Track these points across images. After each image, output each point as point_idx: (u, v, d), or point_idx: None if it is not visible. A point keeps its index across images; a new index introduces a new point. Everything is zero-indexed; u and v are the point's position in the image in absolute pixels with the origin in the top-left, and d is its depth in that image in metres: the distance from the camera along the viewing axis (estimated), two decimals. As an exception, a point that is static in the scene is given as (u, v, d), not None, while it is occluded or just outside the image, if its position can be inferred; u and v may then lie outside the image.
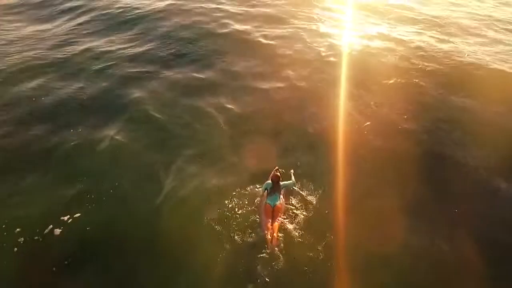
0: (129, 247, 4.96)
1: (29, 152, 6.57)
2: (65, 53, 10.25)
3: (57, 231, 5.06)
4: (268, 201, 5.34)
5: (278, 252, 4.80)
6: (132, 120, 7.50)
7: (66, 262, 4.71)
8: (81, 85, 8.70)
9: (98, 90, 8.54)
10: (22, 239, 4.93)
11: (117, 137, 6.91)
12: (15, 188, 5.79)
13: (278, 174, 5.68)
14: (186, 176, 6.11)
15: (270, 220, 5.13)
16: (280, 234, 5.00)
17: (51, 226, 5.11)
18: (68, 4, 14.20)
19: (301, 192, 5.87)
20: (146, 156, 6.55)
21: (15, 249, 4.82)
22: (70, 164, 6.33)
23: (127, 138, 6.94)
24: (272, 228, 4.96)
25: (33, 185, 5.87)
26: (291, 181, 5.86)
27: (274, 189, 5.47)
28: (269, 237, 4.84)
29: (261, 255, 4.75)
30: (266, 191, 5.55)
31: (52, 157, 6.45)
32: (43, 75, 9.04)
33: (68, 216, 5.29)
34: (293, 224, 5.26)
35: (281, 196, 5.50)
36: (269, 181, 5.60)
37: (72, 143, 6.76)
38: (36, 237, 4.96)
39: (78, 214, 5.33)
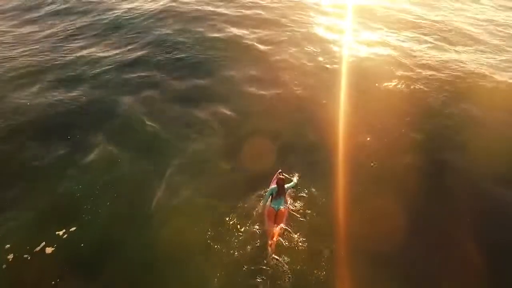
0: (125, 260, 4.90)
1: (20, 162, 6.45)
2: (59, 58, 10.10)
3: (49, 249, 4.96)
4: (272, 205, 5.34)
5: (278, 261, 4.73)
6: (126, 128, 7.39)
7: (53, 282, 4.60)
8: (74, 91, 8.56)
9: (92, 96, 8.40)
10: (12, 256, 4.82)
11: (110, 147, 6.79)
12: (4, 201, 5.66)
13: (282, 177, 5.68)
14: (181, 186, 6.03)
15: (273, 224, 5.10)
16: (285, 243, 4.98)
17: (43, 243, 5.00)
18: (64, 6, 14.11)
19: (303, 196, 5.86)
20: (140, 166, 6.44)
21: (4, 266, 4.71)
22: (63, 174, 6.19)
23: (122, 147, 6.82)
24: (273, 234, 4.92)
25: (24, 197, 5.75)
26: (293, 182, 5.90)
27: (279, 192, 5.47)
28: (270, 242, 4.81)
29: (261, 266, 4.69)
30: (271, 195, 5.52)
31: (44, 167, 6.33)
32: (36, 81, 8.90)
33: (64, 230, 5.20)
34: (295, 231, 5.21)
35: (286, 199, 5.50)
36: (274, 186, 5.58)
37: (64, 152, 6.66)
38: (26, 255, 4.83)
39: (74, 228, 5.25)
